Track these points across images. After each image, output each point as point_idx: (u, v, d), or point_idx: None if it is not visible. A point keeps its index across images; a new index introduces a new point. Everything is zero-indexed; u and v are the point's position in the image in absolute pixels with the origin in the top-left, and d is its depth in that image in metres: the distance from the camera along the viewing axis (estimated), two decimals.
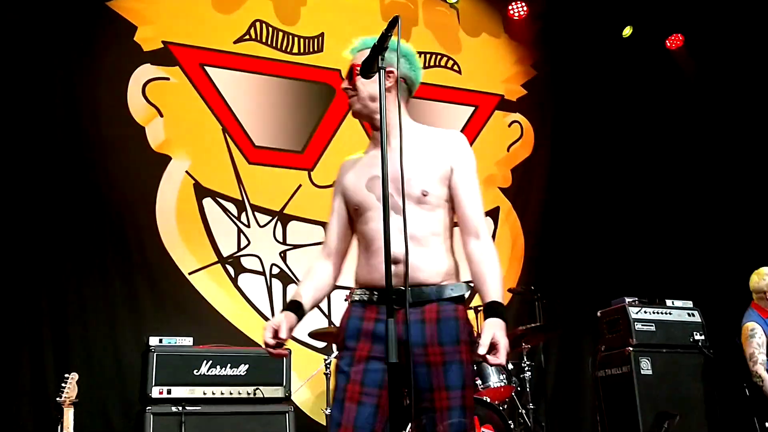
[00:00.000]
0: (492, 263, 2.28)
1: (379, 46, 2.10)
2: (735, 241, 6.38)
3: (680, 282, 6.19)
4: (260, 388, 4.69)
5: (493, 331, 2.09)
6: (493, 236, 6.90)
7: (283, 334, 2.24)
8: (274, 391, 4.81)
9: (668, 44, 7.34)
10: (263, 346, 2.29)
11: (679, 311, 5.20)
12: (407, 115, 2.38)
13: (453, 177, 2.30)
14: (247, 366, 4.80)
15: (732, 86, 6.89)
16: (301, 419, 5.35)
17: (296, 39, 6.56)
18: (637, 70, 7.30)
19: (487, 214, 6.97)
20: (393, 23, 2.09)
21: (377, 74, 2.14)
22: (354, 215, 2.34)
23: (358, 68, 2.22)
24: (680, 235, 6.89)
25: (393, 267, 1.98)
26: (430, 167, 2.27)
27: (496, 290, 2.23)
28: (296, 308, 2.33)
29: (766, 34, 6.49)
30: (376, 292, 2.22)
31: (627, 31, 7.20)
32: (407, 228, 2.06)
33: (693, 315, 5.28)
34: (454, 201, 2.31)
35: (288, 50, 6.54)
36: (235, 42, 6.32)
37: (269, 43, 6.47)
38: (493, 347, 2.08)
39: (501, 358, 2.07)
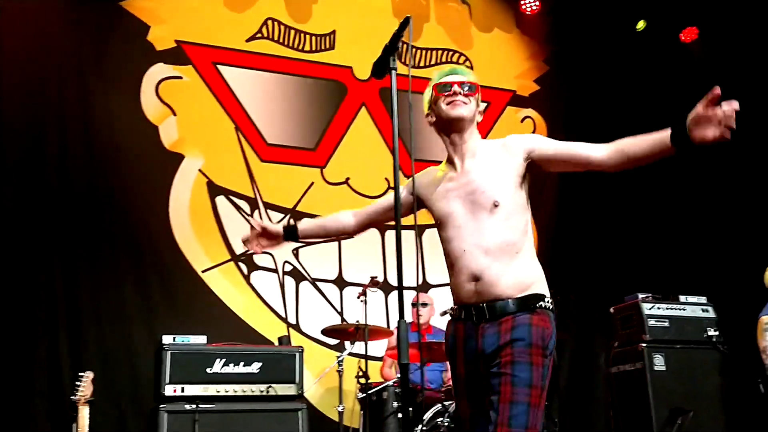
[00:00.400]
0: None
1: (391, 47, 2.17)
2: (749, 236, 6.31)
3: (694, 277, 6.13)
4: (273, 385, 4.71)
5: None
6: None
7: (258, 222, 2.69)
8: (287, 389, 4.83)
9: (683, 38, 7.26)
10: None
11: (693, 307, 5.16)
12: (477, 135, 2.53)
13: (536, 149, 2.42)
14: (260, 364, 4.82)
15: (748, 80, 6.80)
16: (315, 416, 5.38)
17: (308, 37, 6.57)
18: (652, 63, 7.22)
19: None
20: (405, 24, 2.14)
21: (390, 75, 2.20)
22: (439, 230, 2.48)
23: (479, 87, 2.52)
24: (694, 231, 6.83)
25: (474, 284, 2.29)
26: (500, 177, 2.39)
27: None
28: (289, 228, 2.68)
29: None
30: (462, 310, 2.36)
31: (641, 25, 7.14)
32: (487, 240, 2.30)
33: (707, 310, 5.24)
34: (563, 158, 2.41)
35: (300, 48, 6.55)
36: (247, 40, 6.34)
37: (281, 41, 6.48)
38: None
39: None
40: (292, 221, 2.81)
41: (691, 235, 6.83)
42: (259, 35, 6.40)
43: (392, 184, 6.76)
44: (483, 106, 2.56)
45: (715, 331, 5.09)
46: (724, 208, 6.78)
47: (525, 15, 7.25)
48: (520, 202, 2.41)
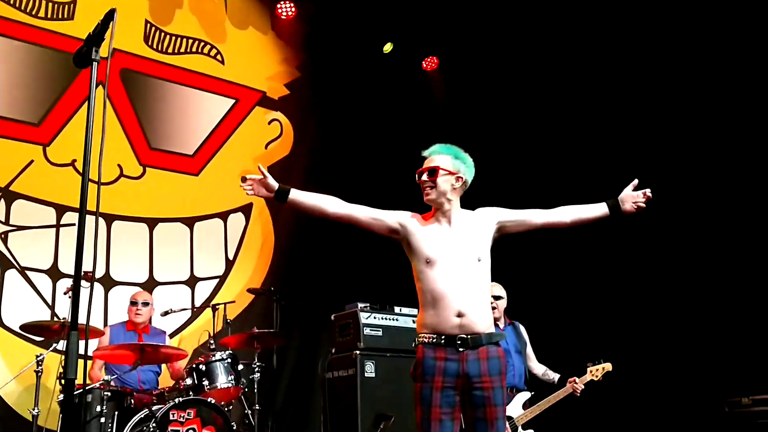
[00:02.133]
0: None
1: (95, 37, 2.06)
2: None
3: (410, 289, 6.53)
4: None
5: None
6: (244, 233, 6.85)
7: (263, 170, 3.00)
8: None
9: (424, 65, 7.76)
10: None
11: (406, 318, 5.48)
12: (458, 205, 3.13)
13: (505, 220, 3.14)
14: None
15: (482, 112, 7.44)
16: (9, 416, 4.90)
17: (44, 2, 5.98)
18: (395, 85, 7.62)
19: (240, 210, 6.89)
20: (109, 17, 2.02)
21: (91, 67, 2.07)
22: (423, 266, 3.01)
23: (440, 169, 3.08)
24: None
25: (459, 319, 2.92)
26: (480, 238, 3.06)
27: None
28: (282, 189, 3.02)
29: (519, 64, 7.09)
30: (443, 337, 2.93)
31: (388, 47, 7.52)
32: (472, 286, 2.98)
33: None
34: (522, 224, 3.17)
35: (33, 13, 5.93)
36: None
37: (11, 2, 5.82)
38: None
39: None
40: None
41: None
42: None
43: (125, 172, 6.38)
44: (460, 181, 3.11)
45: None
46: None
47: (280, 18, 7.26)
48: (489, 259, 3.08)
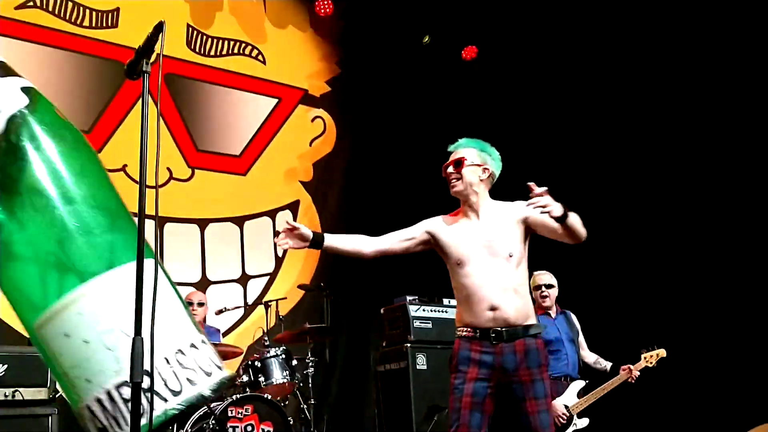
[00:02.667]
0: None
1: (144, 50, 2.12)
2: None
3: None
4: (20, 389, 4.32)
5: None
6: None
7: (293, 223, 2.99)
8: (35, 393, 4.44)
9: (464, 55, 7.71)
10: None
11: (454, 309, 5.44)
12: (488, 197, 3.12)
13: (528, 214, 3.00)
14: (5, 366, 4.40)
15: (524, 99, 7.36)
16: (68, 421, 5.04)
17: (88, 11, 6.12)
18: (435, 76, 7.60)
19: (288, 207, 6.98)
20: (158, 29, 2.07)
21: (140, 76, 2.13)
22: (455, 267, 3.03)
23: (465, 161, 3.07)
24: None
25: (492, 313, 2.92)
26: (510, 233, 3.02)
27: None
28: (317, 236, 3.00)
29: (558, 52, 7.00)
30: (478, 331, 2.96)
31: (426, 39, 7.50)
32: (504, 281, 2.94)
33: None
34: (542, 225, 2.99)
35: (78, 23, 6.09)
36: (16, 8, 5.77)
37: (56, 12, 5.98)
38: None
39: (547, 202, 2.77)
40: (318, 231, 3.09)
41: None
42: (30, 3, 5.85)
43: (174, 175, 6.52)
44: (487, 173, 3.09)
45: None
46: None
47: (319, 16, 7.29)
48: (525, 253, 3.05)
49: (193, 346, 1.88)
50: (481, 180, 3.08)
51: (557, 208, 2.77)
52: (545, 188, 2.75)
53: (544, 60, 7.09)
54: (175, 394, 1.80)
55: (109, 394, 1.78)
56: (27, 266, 1.89)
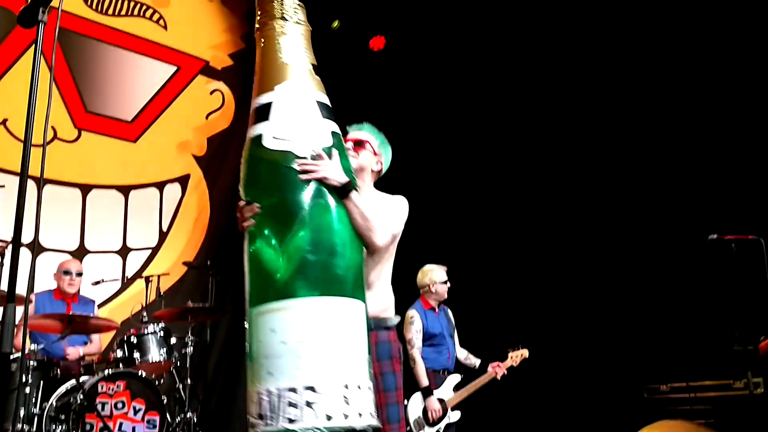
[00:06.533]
0: None
1: None
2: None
3: None
4: None
5: None
6: (179, 204, 6.72)
7: None
8: None
9: (371, 45, 7.69)
10: None
11: None
12: (372, 188, 2.97)
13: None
14: None
15: (428, 93, 7.42)
16: None
17: None
18: (341, 62, 7.52)
19: (177, 180, 6.75)
20: None
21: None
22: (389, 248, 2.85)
23: (367, 144, 2.98)
24: None
25: None
26: None
27: None
28: None
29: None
30: None
31: (336, 24, 7.43)
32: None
33: None
34: None
35: None
36: None
37: None
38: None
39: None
40: None
41: None
42: None
43: (59, 135, 6.17)
44: (380, 165, 2.99)
45: None
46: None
47: None
48: (389, 248, 2.86)
49: (364, 387, 2.17)
50: (372, 170, 3.00)
51: (333, 175, 2.29)
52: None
53: (451, 53, 7.18)
54: (328, 418, 2.05)
55: (278, 390, 2.04)
56: (278, 259, 2.16)
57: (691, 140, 5.73)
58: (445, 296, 4.92)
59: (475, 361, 4.99)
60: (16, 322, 4.68)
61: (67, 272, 5.11)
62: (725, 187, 5.45)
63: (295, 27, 2.43)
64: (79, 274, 5.17)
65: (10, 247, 2.45)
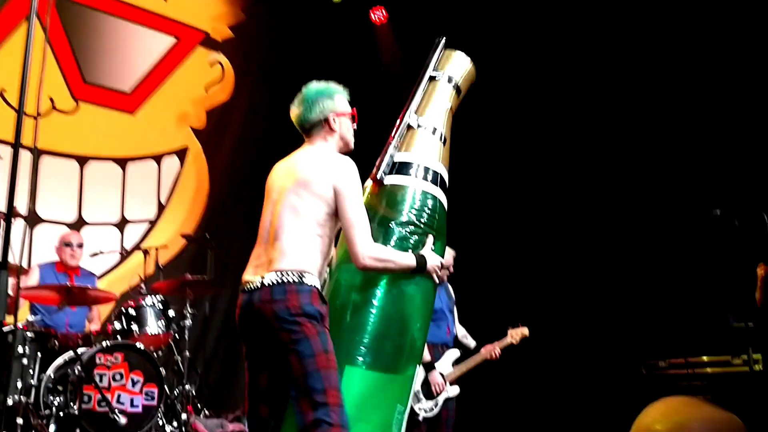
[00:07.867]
0: None
1: None
2: None
3: None
4: None
5: None
6: (177, 177, 6.68)
7: None
8: None
9: (373, 17, 7.59)
10: None
11: None
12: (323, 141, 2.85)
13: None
14: None
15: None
16: None
17: None
18: (344, 36, 7.43)
19: (175, 153, 6.71)
20: None
21: None
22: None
23: None
24: None
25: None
26: None
27: None
28: None
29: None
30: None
31: None
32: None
33: None
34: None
35: None
36: None
37: None
38: None
39: None
40: None
41: None
42: None
43: (57, 106, 6.11)
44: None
45: None
46: None
47: None
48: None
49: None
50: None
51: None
52: None
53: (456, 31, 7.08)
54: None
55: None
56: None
57: (693, 116, 5.68)
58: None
59: (471, 342, 4.98)
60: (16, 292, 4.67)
61: (68, 244, 5.08)
62: (727, 162, 5.41)
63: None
64: (80, 246, 5.14)
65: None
